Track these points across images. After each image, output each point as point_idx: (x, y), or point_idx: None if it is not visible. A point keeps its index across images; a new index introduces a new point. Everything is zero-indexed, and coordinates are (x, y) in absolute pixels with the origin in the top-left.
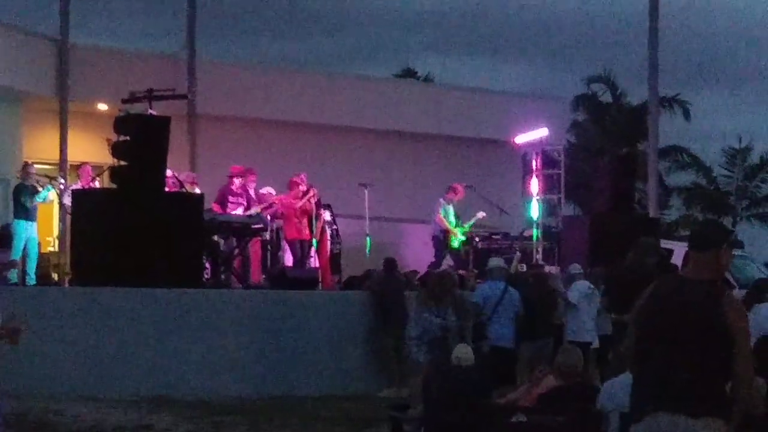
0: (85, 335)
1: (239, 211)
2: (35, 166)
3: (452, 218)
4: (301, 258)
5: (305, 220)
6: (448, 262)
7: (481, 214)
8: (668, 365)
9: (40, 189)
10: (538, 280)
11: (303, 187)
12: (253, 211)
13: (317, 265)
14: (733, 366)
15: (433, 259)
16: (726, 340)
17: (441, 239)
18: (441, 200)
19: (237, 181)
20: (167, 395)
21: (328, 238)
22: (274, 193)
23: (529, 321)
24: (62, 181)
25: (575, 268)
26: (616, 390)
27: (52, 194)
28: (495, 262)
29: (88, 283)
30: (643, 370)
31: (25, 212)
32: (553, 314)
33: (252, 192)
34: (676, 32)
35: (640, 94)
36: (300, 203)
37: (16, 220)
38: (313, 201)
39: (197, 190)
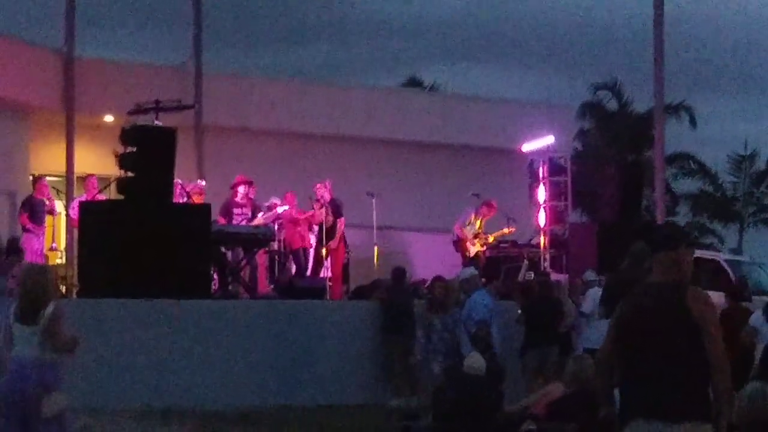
0: (93, 347)
1: (243, 222)
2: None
3: (475, 230)
4: (300, 266)
5: (306, 229)
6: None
7: (508, 229)
8: (642, 371)
9: (47, 203)
10: (543, 289)
11: (325, 194)
12: (261, 219)
13: (328, 274)
14: (708, 361)
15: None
16: (696, 337)
17: (457, 246)
18: (472, 213)
19: (241, 191)
20: (176, 406)
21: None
22: (279, 203)
23: (534, 329)
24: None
25: (591, 275)
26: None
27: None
28: (469, 271)
29: (95, 295)
30: (622, 378)
31: (32, 225)
32: (559, 322)
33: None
34: (682, 39)
35: (646, 101)
36: (307, 214)
37: (24, 234)
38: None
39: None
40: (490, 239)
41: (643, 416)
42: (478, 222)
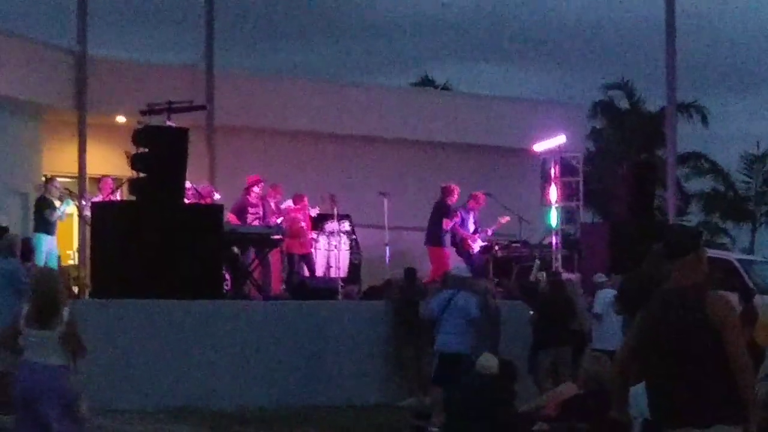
0: (105, 348)
1: (256, 222)
2: (57, 179)
3: (470, 226)
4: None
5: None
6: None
7: (504, 219)
8: (667, 379)
9: (60, 203)
10: (555, 288)
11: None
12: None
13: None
14: (730, 362)
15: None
16: (717, 342)
17: (460, 246)
18: (461, 211)
19: (255, 191)
20: (188, 406)
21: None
22: (292, 206)
23: (546, 328)
24: (84, 203)
25: (600, 276)
26: (638, 398)
27: (71, 208)
28: (451, 271)
29: (108, 296)
30: (649, 387)
31: (46, 226)
32: (571, 321)
33: (273, 205)
34: (694, 38)
35: (657, 100)
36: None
37: (36, 234)
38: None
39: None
40: (489, 232)
41: (673, 426)
42: (471, 217)
